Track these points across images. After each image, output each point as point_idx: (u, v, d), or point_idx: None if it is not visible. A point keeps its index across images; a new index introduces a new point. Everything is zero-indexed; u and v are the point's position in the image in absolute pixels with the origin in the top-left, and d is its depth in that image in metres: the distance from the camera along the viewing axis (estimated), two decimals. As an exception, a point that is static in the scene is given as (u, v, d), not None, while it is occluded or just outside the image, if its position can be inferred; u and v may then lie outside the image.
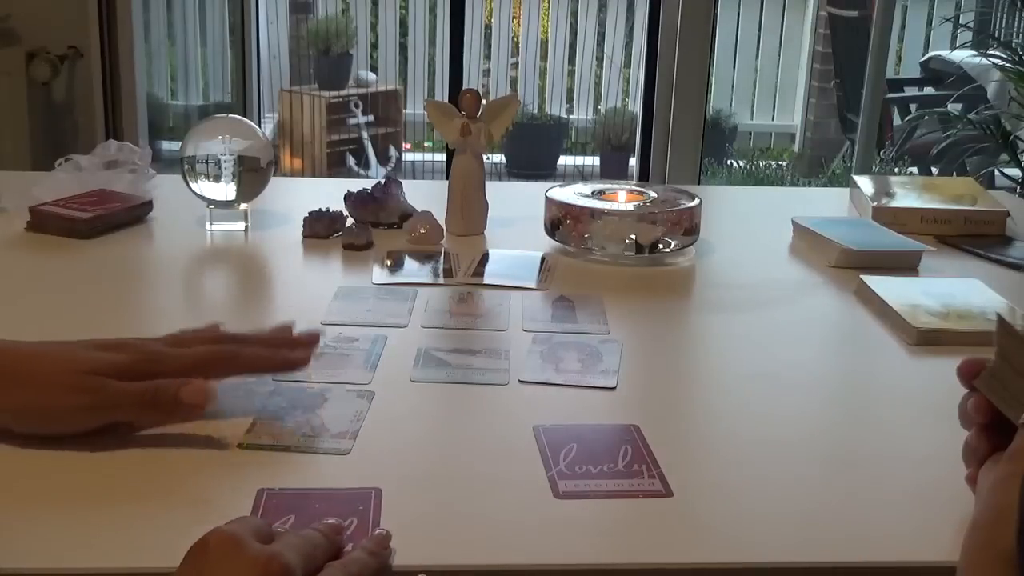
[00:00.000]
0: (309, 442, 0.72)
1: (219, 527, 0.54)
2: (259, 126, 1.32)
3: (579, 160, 5.19)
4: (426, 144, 5.23)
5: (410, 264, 1.14)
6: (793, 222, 1.29)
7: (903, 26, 5.28)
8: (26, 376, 0.68)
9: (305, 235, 1.21)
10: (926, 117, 4.12)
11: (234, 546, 0.52)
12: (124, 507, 0.63)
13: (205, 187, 1.20)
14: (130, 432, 0.70)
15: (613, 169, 4.97)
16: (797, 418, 0.80)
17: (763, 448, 0.74)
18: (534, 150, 5.09)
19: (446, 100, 1.34)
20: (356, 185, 1.27)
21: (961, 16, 4.97)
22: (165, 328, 0.85)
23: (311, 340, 0.78)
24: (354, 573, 0.55)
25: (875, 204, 1.34)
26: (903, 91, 4.87)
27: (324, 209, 1.22)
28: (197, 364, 0.71)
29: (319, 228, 1.20)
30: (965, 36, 4.87)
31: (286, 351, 0.77)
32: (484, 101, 1.23)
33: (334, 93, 4.73)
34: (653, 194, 1.23)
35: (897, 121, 4.59)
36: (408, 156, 5.12)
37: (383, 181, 1.27)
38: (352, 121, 4.75)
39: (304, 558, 0.54)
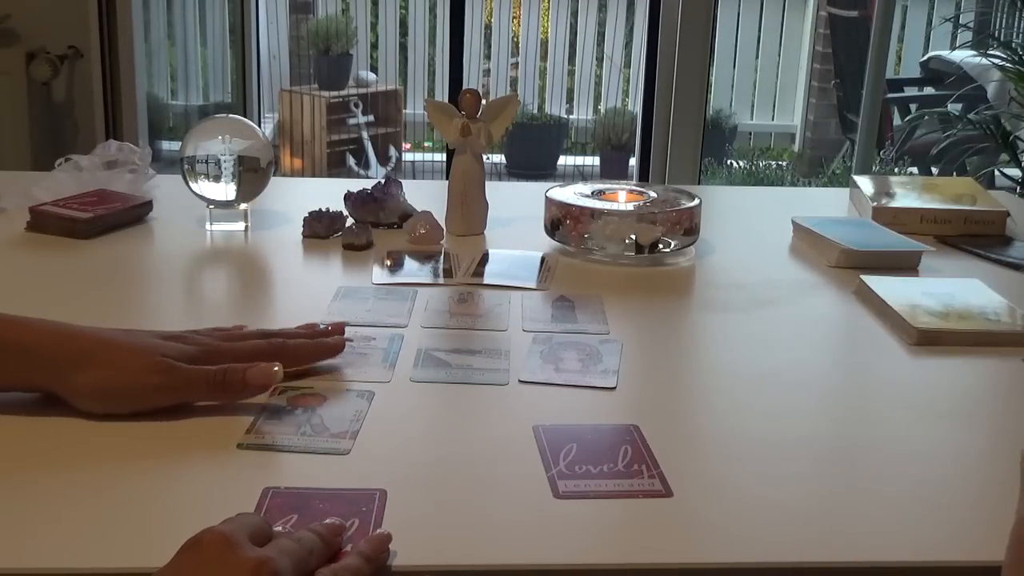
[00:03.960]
0: (309, 442, 0.72)
1: (215, 526, 0.54)
2: (259, 126, 1.32)
3: (579, 160, 5.19)
4: (426, 144, 5.23)
5: (410, 264, 1.14)
6: (793, 222, 1.29)
7: (903, 26, 5.28)
8: (106, 358, 0.73)
9: (305, 235, 1.21)
10: (926, 117, 4.12)
11: (227, 547, 0.52)
12: (124, 507, 0.63)
13: (205, 187, 1.20)
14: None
15: (613, 169, 4.97)
16: (797, 418, 0.80)
17: (763, 448, 0.74)
18: (534, 150, 5.09)
19: (446, 100, 1.34)
20: (356, 185, 1.27)
21: (961, 16, 4.97)
22: (165, 329, 0.85)
23: (340, 328, 0.87)
24: None
25: (875, 204, 1.34)
26: (903, 91, 4.87)
27: (324, 209, 1.22)
28: (251, 356, 0.77)
29: (319, 228, 1.20)
30: (965, 36, 4.87)
31: (324, 339, 0.85)
32: (484, 101, 1.23)
33: (334, 93, 4.73)
34: (653, 194, 1.23)
35: (897, 121, 4.59)
36: (408, 156, 5.12)
37: (383, 181, 1.27)
38: (352, 121, 4.75)
39: (297, 563, 0.54)
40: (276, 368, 0.75)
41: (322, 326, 0.87)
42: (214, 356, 0.77)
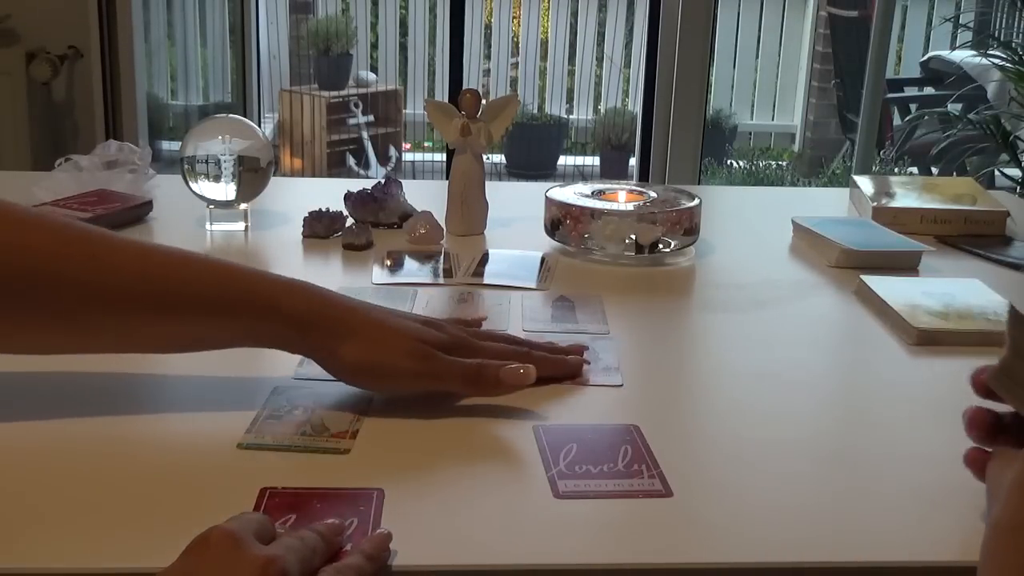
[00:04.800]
0: (309, 442, 0.72)
1: (221, 524, 0.54)
2: (259, 126, 1.32)
3: (579, 160, 5.19)
4: (426, 144, 5.23)
5: (410, 264, 1.14)
6: (793, 222, 1.29)
7: (903, 26, 5.29)
8: (371, 336, 0.76)
9: (305, 235, 1.21)
10: (926, 117, 4.12)
11: (234, 545, 0.52)
12: (124, 507, 0.63)
13: (205, 187, 1.20)
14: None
15: (613, 169, 4.97)
16: (797, 418, 0.80)
17: (763, 448, 0.74)
18: (534, 150, 5.09)
19: (446, 100, 1.34)
20: (356, 185, 1.27)
21: (961, 16, 4.97)
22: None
23: (580, 350, 0.87)
24: None
25: (875, 204, 1.34)
26: (903, 91, 4.87)
27: (324, 209, 1.22)
28: (498, 356, 0.79)
29: (319, 228, 1.20)
30: (965, 36, 4.88)
31: (565, 357, 0.85)
32: (484, 101, 1.23)
33: (334, 93, 4.73)
34: (653, 194, 1.23)
35: (897, 121, 4.59)
36: (408, 156, 5.12)
37: (383, 181, 1.27)
38: (352, 121, 4.75)
39: (302, 561, 0.54)
40: (527, 370, 0.77)
41: (562, 344, 0.88)
42: (466, 350, 0.79)
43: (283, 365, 0.83)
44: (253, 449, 0.71)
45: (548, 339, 0.92)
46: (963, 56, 4.17)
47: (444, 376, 0.77)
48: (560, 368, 0.84)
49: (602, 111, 5.21)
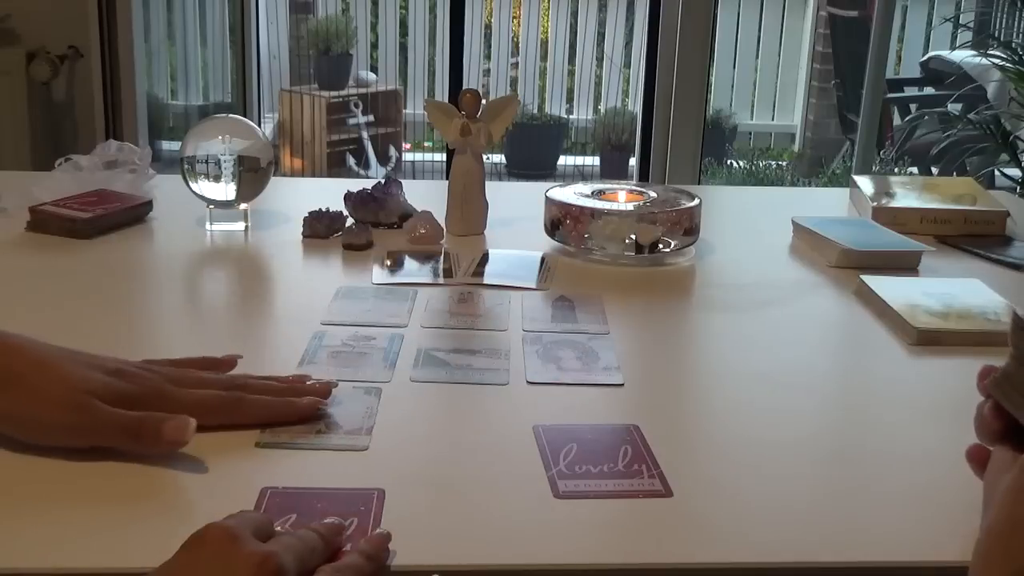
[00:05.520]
0: (323, 439, 0.72)
1: (217, 521, 0.54)
2: (259, 126, 1.32)
3: (579, 160, 5.19)
4: (426, 144, 5.23)
5: (410, 264, 1.14)
6: (793, 222, 1.29)
7: (903, 26, 5.28)
8: (21, 381, 0.67)
9: (305, 235, 1.21)
10: (926, 117, 4.12)
11: (230, 542, 0.52)
12: (127, 506, 0.63)
13: (205, 187, 1.20)
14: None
15: (613, 169, 4.97)
16: (797, 418, 0.80)
17: (763, 448, 0.74)
18: (534, 150, 5.09)
19: (446, 100, 1.34)
20: (356, 185, 1.27)
21: (961, 16, 4.97)
22: (165, 329, 0.85)
23: (323, 391, 0.76)
24: None
25: (875, 204, 1.34)
26: (903, 91, 4.87)
27: (324, 209, 1.22)
28: (199, 407, 0.70)
29: (319, 228, 1.20)
30: (965, 36, 4.88)
31: (292, 400, 0.75)
32: (484, 101, 1.23)
33: (334, 93, 4.73)
34: (653, 194, 1.23)
35: (897, 121, 4.59)
36: (408, 156, 5.12)
37: (383, 181, 1.27)
38: (352, 121, 4.75)
39: (300, 559, 0.54)
40: (186, 424, 0.67)
41: (311, 382, 0.78)
42: (155, 401, 0.69)
43: (293, 364, 0.83)
44: (270, 448, 0.70)
45: (547, 339, 0.92)
46: (963, 56, 4.17)
47: (101, 431, 0.67)
48: (282, 414, 0.74)
49: (602, 111, 5.21)
